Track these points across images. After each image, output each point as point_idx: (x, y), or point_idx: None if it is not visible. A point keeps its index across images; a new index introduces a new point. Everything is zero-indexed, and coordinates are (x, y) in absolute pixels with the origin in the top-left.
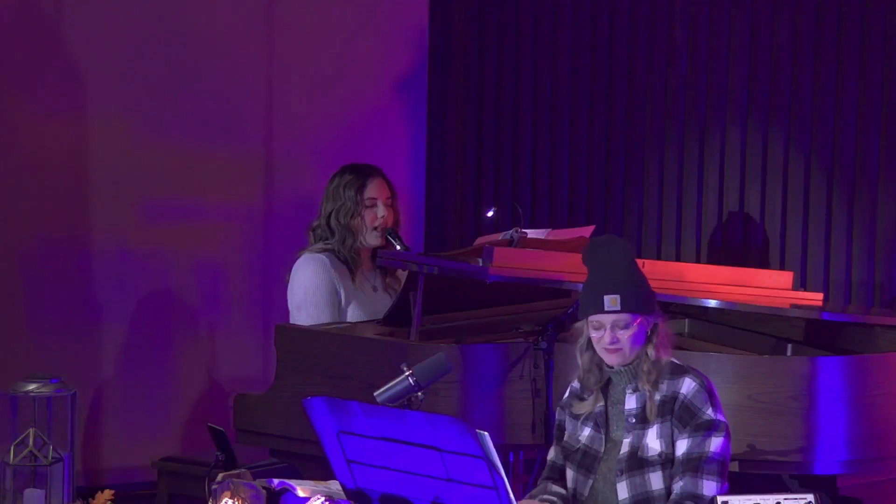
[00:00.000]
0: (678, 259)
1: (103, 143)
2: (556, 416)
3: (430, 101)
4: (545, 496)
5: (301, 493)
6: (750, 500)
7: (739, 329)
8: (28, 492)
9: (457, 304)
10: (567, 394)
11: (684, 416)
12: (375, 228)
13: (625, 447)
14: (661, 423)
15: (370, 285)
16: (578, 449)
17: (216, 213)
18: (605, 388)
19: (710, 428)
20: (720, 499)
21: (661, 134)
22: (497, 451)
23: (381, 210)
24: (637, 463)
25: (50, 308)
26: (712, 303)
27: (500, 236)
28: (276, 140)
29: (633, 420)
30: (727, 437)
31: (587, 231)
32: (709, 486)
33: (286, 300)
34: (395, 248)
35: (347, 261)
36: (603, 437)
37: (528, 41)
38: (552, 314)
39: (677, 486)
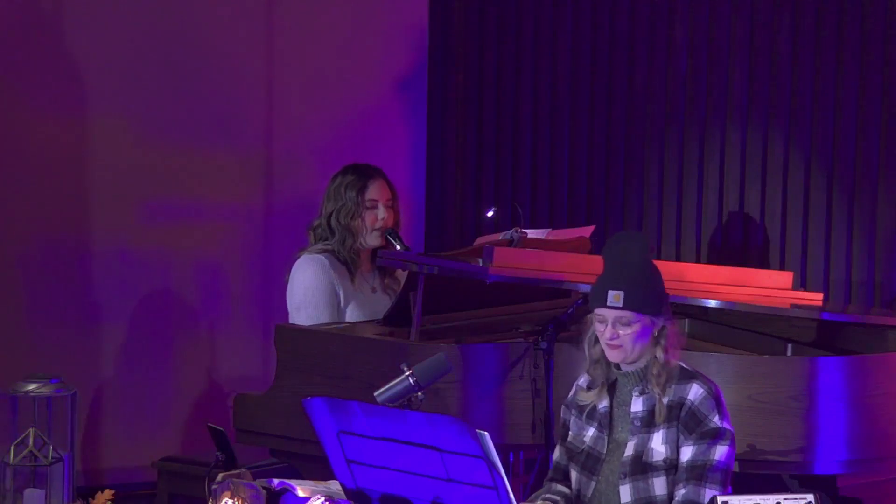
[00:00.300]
0: (678, 259)
1: (103, 143)
2: (561, 415)
3: (430, 101)
4: (548, 495)
5: (301, 493)
6: (750, 500)
7: (739, 329)
8: (28, 492)
9: (457, 304)
10: (572, 392)
11: (690, 423)
12: (376, 230)
13: (629, 450)
14: (668, 428)
15: (369, 286)
16: (582, 450)
17: (216, 213)
18: (612, 388)
19: (716, 436)
20: (720, 499)
21: (661, 134)
22: (497, 451)
23: (381, 212)
24: (641, 467)
25: (50, 308)
26: (712, 303)
27: (500, 236)
28: (276, 140)
29: (639, 423)
30: (732, 445)
31: (587, 231)
32: (711, 495)
33: (286, 300)
34: (395, 248)
35: (347, 261)
36: (606, 438)
37: (528, 41)
38: (552, 314)
39: (679, 494)
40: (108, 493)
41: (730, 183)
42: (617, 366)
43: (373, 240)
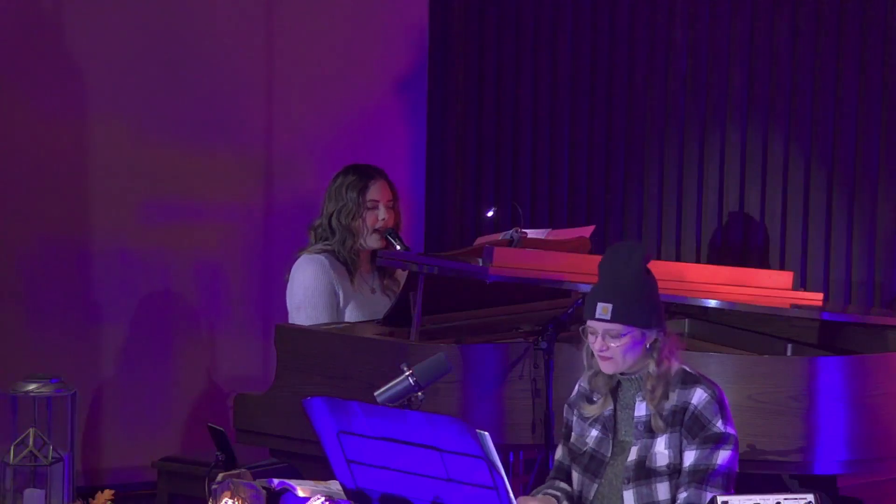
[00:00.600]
0: (678, 259)
1: (103, 143)
2: (564, 415)
3: (430, 101)
4: (549, 490)
5: (301, 493)
6: (750, 500)
7: (739, 329)
8: (28, 492)
9: (457, 304)
10: (575, 392)
11: (694, 428)
12: (376, 230)
13: (632, 454)
14: (671, 432)
15: (368, 287)
16: (585, 452)
17: (216, 213)
18: (615, 390)
19: (719, 441)
20: (720, 499)
21: (661, 134)
22: (497, 451)
23: (382, 212)
24: (645, 472)
25: (50, 308)
26: (712, 303)
27: (500, 236)
28: (276, 140)
29: (642, 427)
30: (735, 449)
31: (587, 231)
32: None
33: (286, 300)
34: (396, 248)
35: (346, 262)
36: (610, 440)
37: (528, 41)
38: (552, 314)
39: (681, 497)
40: (108, 493)
41: (730, 183)
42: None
43: (373, 241)
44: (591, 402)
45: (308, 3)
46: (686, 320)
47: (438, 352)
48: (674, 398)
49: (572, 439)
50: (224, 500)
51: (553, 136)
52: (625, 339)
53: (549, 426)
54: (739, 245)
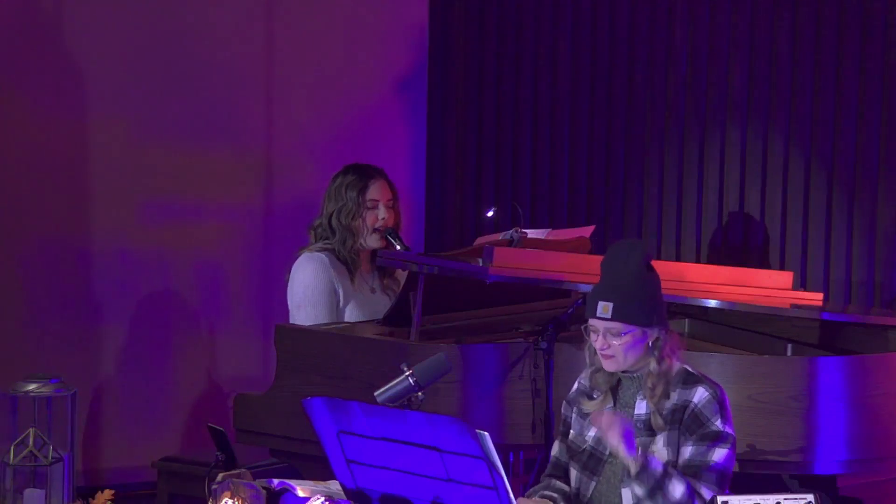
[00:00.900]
0: (678, 259)
1: (103, 143)
2: (562, 411)
3: (430, 102)
4: (546, 492)
5: (301, 493)
6: (750, 500)
7: (739, 329)
8: (28, 492)
9: (457, 304)
10: (574, 389)
11: (692, 425)
12: (376, 230)
13: None
14: (670, 431)
15: (368, 286)
16: (584, 450)
17: (216, 213)
18: (615, 389)
19: (717, 439)
20: (720, 499)
21: (661, 134)
22: (497, 451)
23: (382, 212)
24: None
25: (50, 308)
26: (712, 303)
27: (500, 236)
28: (276, 140)
29: (641, 426)
30: (732, 449)
31: (587, 231)
32: (707, 494)
33: (286, 300)
34: (396, 247)
35: (347, 261)
36: None
37: (528, 41)
38: (552, 314)
39: None
40: (108, 493)
41: (730, 183)
42: None
43: (373, 241)
44: (590, 398)
45: (308, 4)
46: (686, 320)
47: (438, 352)
48: (675, 397)
49: (571, 436)
50: (224, 500)
51: (553, 136)
52: (626, 338)
53: (549, 426)
54: (739, 245)
